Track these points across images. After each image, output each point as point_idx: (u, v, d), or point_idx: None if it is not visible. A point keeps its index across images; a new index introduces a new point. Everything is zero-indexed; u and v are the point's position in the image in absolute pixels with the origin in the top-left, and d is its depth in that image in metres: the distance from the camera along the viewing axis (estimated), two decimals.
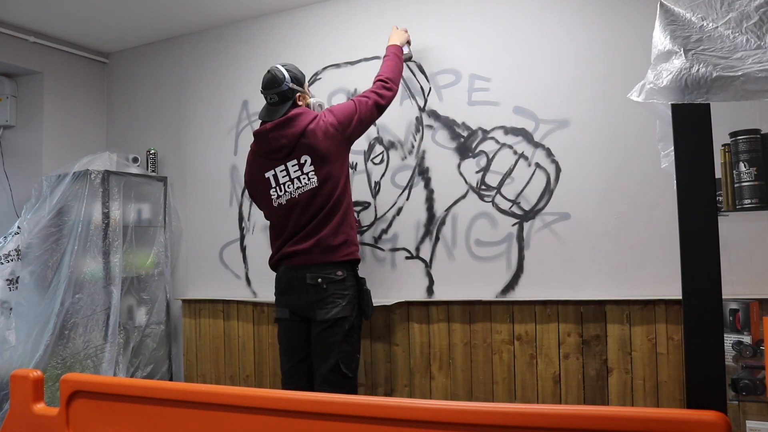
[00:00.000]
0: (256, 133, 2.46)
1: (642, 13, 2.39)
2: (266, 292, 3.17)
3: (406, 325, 2.85)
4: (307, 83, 2.55)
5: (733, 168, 1.55)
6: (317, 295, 2.33)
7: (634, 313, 2.44)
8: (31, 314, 2.96)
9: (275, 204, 2.43)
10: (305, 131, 2.35)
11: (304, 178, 2.36)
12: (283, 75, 2.40)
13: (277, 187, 2.42)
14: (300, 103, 2.45)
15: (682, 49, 1.22)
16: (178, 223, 3.51)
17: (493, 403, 1.50)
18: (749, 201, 1.51)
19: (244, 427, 1.23)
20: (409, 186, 2.87)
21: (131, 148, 3.60)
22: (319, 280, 2.32)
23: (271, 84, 2.41)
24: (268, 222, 2.55)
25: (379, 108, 2.51)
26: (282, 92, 2.40)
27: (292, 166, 2.38)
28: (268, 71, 2.43)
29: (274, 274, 2.49)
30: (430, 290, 2.81)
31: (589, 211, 2.53)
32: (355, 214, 2.77)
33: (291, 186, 2.38)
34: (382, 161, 2.93)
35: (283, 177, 2.40)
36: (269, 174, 2.43)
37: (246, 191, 2.64)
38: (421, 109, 2.86)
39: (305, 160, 2.36)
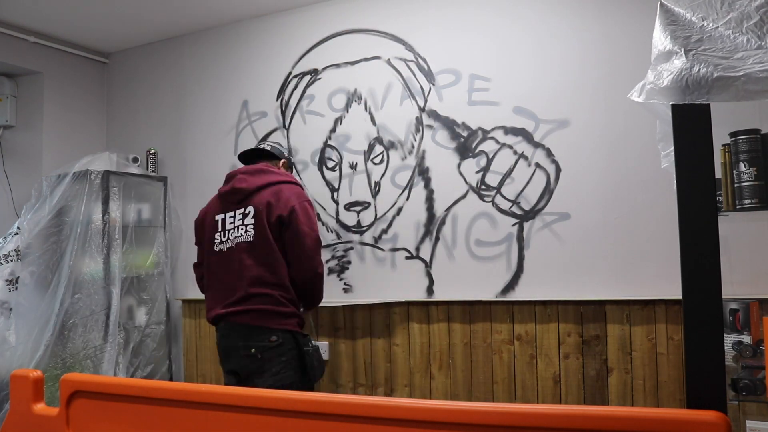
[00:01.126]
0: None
1: (642, 13, 2.39)
2: None
3: (406, 325, 2.85)
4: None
5: (733, 168, 1.55)
6: (253, 364, 2.17)
7: (634, 313, 2.44)
8: (31, 314, 2.95)
9: (216, 249, 2.32)
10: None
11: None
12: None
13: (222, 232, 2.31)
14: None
15: (682, 50, 1.21)
16: (178, 223, 3.51)
17: (493, 403, 1.50)
18: (749, 201, 1.51)
19: (244, 427, 1.23)
20: (409, 186, 2.87)
21: (131, 148, 3.59)
22: (253, 350, 2.16)
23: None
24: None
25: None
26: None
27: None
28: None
29: None
30: (430, 290, 2.81)
31: (589, 211, 2.53)
32: None
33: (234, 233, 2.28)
34: (382, 161, 2.93)
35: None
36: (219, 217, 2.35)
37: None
38: (421, 109, 2.86)
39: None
